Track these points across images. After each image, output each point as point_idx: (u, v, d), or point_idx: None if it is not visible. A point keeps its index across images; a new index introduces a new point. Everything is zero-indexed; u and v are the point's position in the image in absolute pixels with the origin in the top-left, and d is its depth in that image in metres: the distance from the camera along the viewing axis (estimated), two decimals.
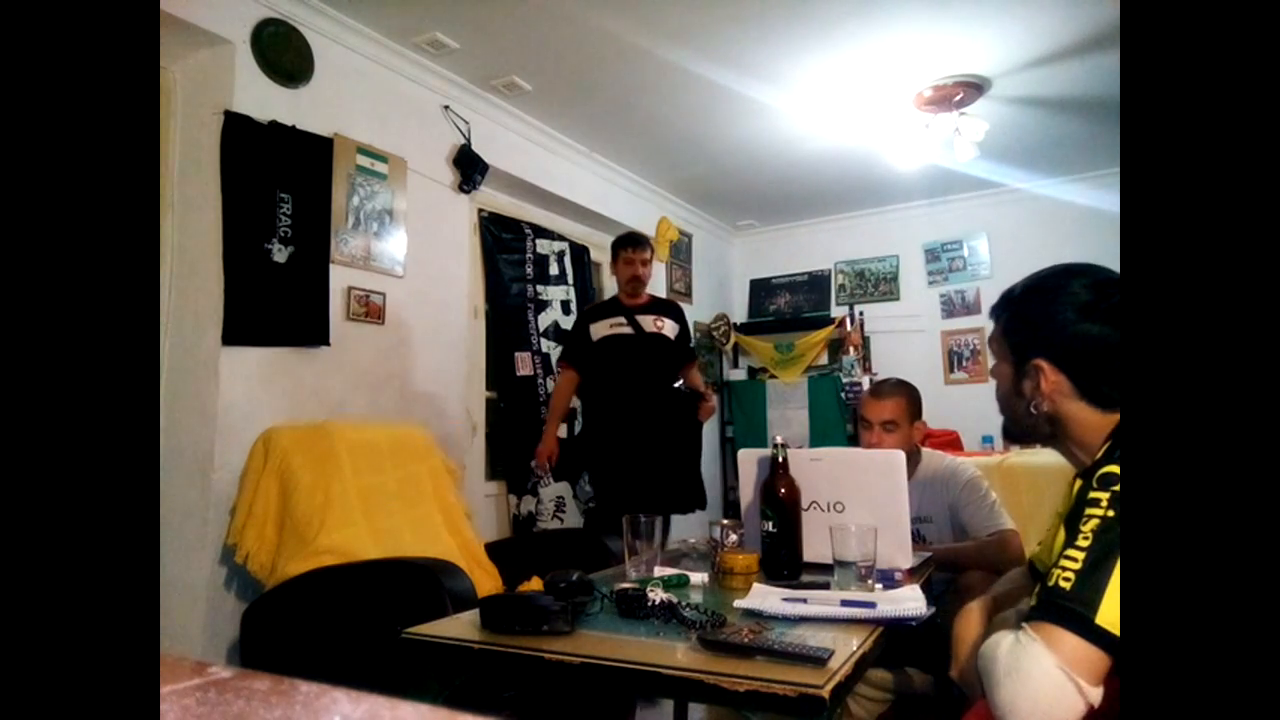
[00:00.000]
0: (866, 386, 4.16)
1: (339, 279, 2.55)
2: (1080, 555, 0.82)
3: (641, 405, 2.95)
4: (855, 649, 1.02)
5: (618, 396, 2.98)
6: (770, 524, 1.50)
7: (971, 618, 1.10)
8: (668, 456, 2.95)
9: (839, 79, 3.15)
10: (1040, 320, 1.01)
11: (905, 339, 4.91)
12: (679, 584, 1.47)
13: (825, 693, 0.86)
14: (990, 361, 1.15)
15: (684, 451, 3.04)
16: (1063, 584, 0.81)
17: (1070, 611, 0.79)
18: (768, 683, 0.89)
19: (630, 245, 3.12)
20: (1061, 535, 0.95)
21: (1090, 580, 0.80)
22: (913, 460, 1.99)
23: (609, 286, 4.45)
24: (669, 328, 3.09)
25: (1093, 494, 0.86)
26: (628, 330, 3.02)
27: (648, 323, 3.06)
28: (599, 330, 3.04)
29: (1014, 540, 1.89)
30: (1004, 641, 0.85)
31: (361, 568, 2.04)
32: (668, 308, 3.20)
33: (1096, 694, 0.78)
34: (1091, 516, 0.84)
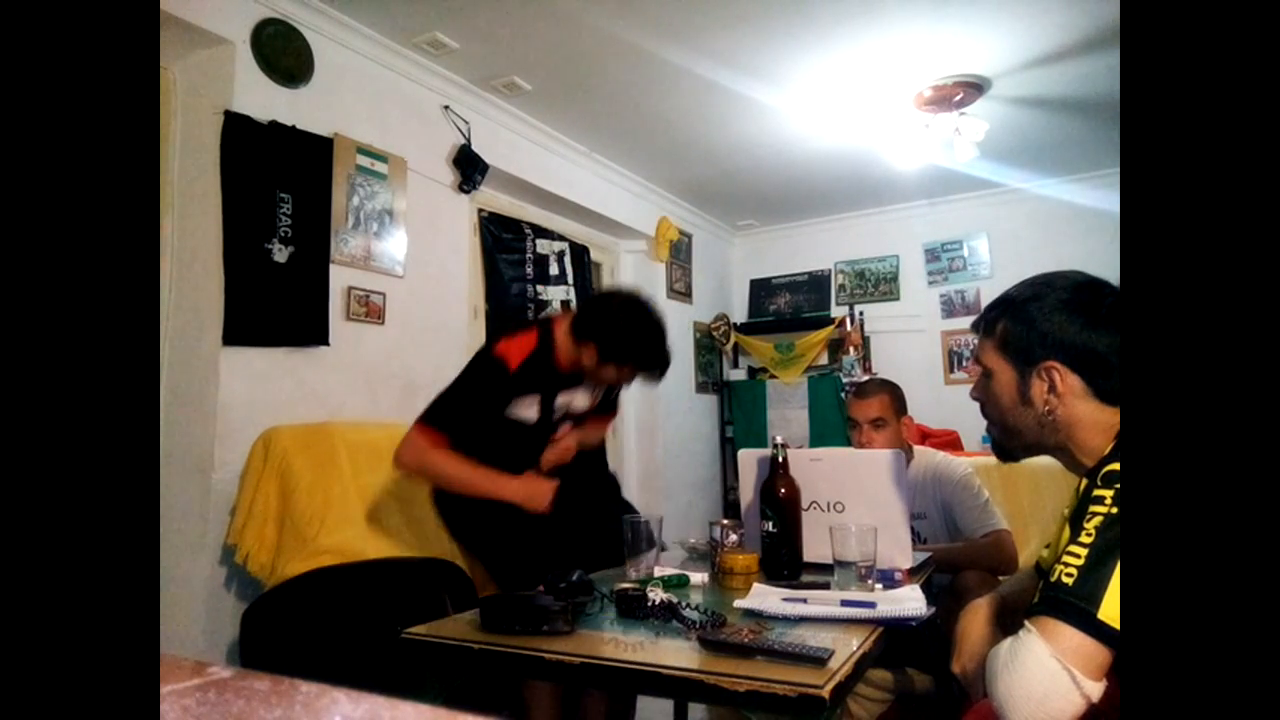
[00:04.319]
0: None
1: (339, 279, 2.55)
2: (1083, 551, 0.82)
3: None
4: (855, 649, 1.02)
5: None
6: (770, 524, 1.50)
7: (977, 614, 1.09)
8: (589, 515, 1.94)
9: (839, 79, 3.15)
10: (1047, 322, 0.99)
11: (905, 339, 4.91)
12: (679, 584, 1.47)
13: (825, 693, 0.86)
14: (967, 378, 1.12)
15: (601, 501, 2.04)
16: (1065, 579, 0.81)
17: (1071, 606, 0.80)
18: (768, 683, 0.89)
19: (659, 369, 1.90)
20: (1066, 533, 0.95)
21: (1092, 576, 0.80)
22: (906, 458, 2.00)
23: (609, 287, 4.46)
24: (591, 396, 2.02)
25: (1097, 491, 0.86)
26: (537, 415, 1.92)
27: (579, 398, 1.98)
28: (523, 409, 1.89)
29: (1008, 540, 1.89)
30: (1006, 641, 0.85)
31: (361, 568, 2.04)
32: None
33: (1095, 688, 0.78)
34: (1096, 514, 0.84)
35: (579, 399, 1.96)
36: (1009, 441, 1.07)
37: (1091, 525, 0.83)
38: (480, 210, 3.42)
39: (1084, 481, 0.97)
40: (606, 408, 2.09)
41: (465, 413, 1.84)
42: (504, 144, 3.34)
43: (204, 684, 0.36)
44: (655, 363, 1.89)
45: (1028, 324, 1.01)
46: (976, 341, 1.10)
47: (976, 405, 1.11)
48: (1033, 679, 0.79)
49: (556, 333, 1.90)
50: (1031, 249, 4.44)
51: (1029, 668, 0.80)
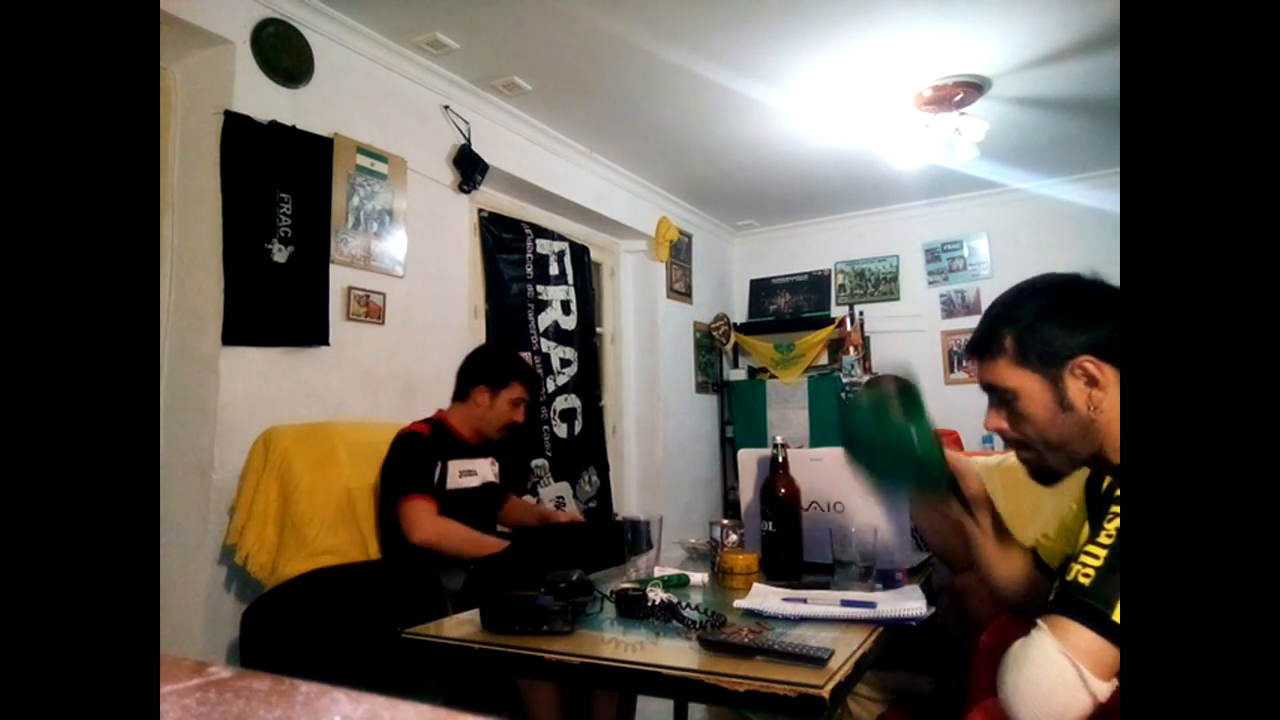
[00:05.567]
0: None
1: (339, 279, 2.55)
2: (1102, 553, 0.81)
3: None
4: (855, 649, 1.02)
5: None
6: (770, 524, 1.51)
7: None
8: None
9: (839, 79, 3.15)
10: (1054, 321, 0.95)
11: (905, 339, 4.91)
12: (679, 584, 1.47)
13: (825, 693, 0.86)
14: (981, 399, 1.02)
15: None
16: (1082, 580, 0.81)
17: (1086, 607, 0.79)
18: (768, 683, 0.89)
19: (534, 382, 2.34)
20: (1085, 531, 0.94)
21: (1110, 578, 0.79)
22: None
23: (609, 287, 4.46)
24: (495, 471, 2.37)
25: (1119, 491, 0.85)
26: (474, 483, 2.25)
27: (485, 468, 2.31)
28: (455, 477, 2.19)
29: None
30: (1019, 640, 0.85)
31: (361, 568, 2.04)
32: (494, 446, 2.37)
33: (1103, 688, 0.77)
34: (1117, 514, 0.83)
35: (480, 468, 2.26)
36: (1053, 458, 0.98)
37: (1112, 526, 0.82)
38: (480, 210, 3.42)
39: (1108, 480, 0.96)
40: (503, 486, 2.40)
41: (423, 476, 2.09)
42: (504, 144, 3.34)
43: (204, 684, 0.36)
44: (528, 372, 2.31)
45: (1037, 327, 0.96)
46: (977, 371, 1.02)
47: (976, 405, 1.09)
48: (1039, 672, 0.79)
49: (448, 418, 2.27)
50: (1031, 249, 4.44)
51: (1035, 661, 0.79)
